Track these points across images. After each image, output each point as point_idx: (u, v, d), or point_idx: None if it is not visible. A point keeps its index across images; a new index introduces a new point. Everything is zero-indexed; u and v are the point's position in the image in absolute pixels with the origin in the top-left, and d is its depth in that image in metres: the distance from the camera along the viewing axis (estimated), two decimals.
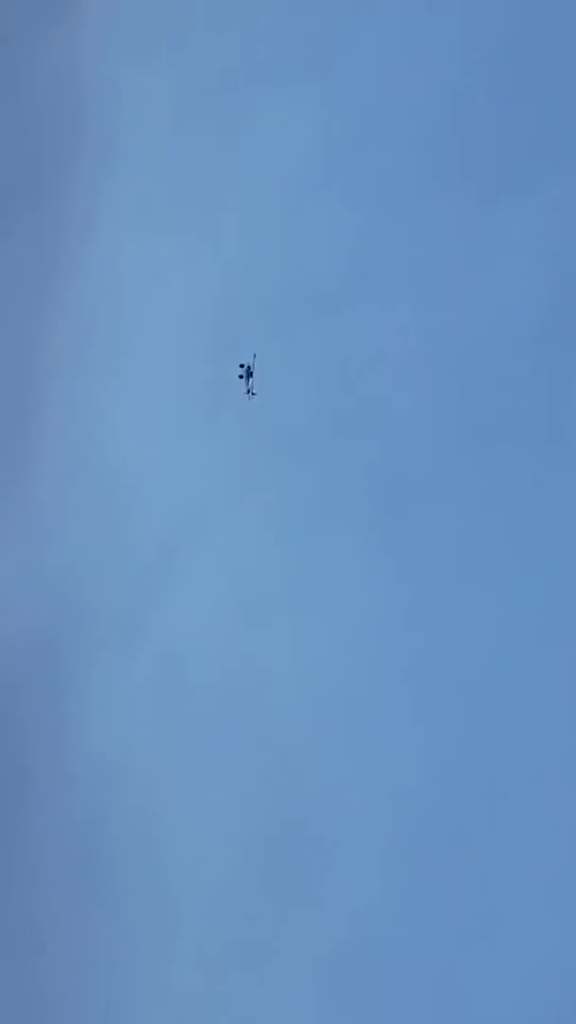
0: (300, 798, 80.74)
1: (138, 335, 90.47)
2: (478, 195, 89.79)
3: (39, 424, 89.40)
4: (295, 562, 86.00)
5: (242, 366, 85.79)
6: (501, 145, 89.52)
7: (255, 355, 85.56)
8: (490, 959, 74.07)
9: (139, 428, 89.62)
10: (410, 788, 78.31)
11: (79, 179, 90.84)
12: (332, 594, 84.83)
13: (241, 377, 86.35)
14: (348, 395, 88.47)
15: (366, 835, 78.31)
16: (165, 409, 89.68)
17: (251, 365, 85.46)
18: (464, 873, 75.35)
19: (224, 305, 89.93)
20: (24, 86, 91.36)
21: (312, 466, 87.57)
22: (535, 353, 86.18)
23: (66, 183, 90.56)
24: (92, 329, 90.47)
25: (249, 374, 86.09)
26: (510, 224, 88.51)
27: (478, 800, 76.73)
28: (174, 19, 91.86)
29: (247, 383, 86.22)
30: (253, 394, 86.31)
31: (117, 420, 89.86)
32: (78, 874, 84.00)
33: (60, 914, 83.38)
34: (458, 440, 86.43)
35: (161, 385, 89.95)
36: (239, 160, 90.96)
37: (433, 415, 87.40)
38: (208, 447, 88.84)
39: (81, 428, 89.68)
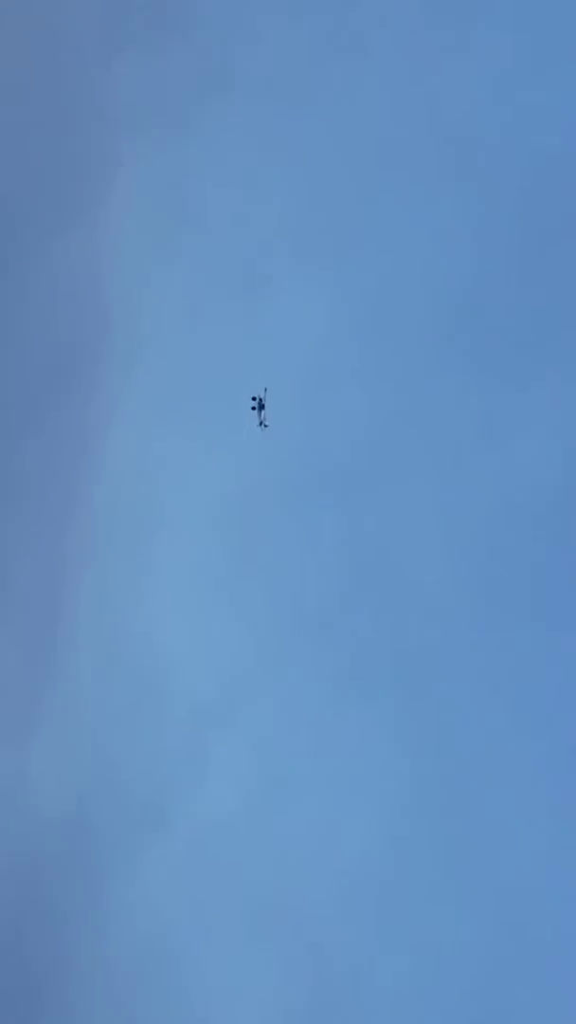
0: (331, 980, 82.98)
1: (163, 524, 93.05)
2: (493, 376, 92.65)
3: (70, 614, 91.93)
4: (321, 742, 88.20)
5: (254, 399, 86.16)
6: (516, 327, 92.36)
7: (266, 388, 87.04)
8: None
9: (166, 613, 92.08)
10: (441, 975, 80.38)
11: (103, 373, 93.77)
12: (358, 775, 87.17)
13: (253, 409, 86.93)
14: (367, 574, 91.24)
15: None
16: (191, 594, 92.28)
17: (262, 397, 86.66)
18: None
19: (246, 490, 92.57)
20: (47, 285, 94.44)
21: (333, 644, 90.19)
22: (550, 529, 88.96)
23: (91, 377, 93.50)
24: (119, 519, 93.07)
25: (261, 406, 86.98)
26: (525, 404, 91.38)
27: (510, 989, 78.84)
28: (191, 214, 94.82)
29: (259, 415, 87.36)
30: (265, 426, 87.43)
31: (145, 607, 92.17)
32: None
33: None
34: (477, 616, 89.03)
35: (187, 571, 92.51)
36: (258, 347, 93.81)
37: (451, 592, 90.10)
38: (233, 630, 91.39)
39: (111, 616, 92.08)
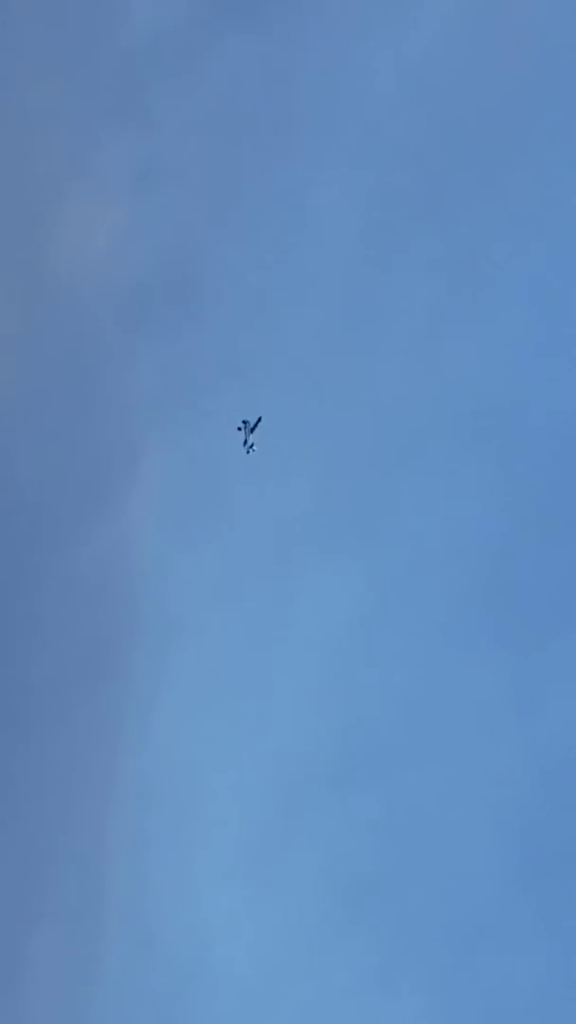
0: None
1: (201, 806, 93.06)
2: (521, 642, 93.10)
3: (106, 905, 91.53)
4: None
5: (245, 422, 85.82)
6: (542, 592, 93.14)
7: (260, 417, 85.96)
8: None
9: (204, 900, 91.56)
10: None
11: (138, 659, 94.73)
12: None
13: (240, 429, 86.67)
14: (407, 851, 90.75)
15: None
16: (230, 879, 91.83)
17: (254, 423, 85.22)
18: None
19: (283, 769, 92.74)
20: (78, 574, 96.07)
21: (370, 927, 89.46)
22: None
23: (125, 664, 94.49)
24: (156, 804, 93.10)
25: (251, 429, 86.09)
26: (554, 666, 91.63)
27: None
28: (215, 498, 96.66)
29: (246, 437, 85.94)
30: (253, 449, 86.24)
31: (182, 894, 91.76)
32: None
33: None
34: (520, 896, 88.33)
35: (225, 855, 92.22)
36: (289, 626, 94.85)
37: (493, 866, 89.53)
38: (271, 915, 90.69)
39: (147, 905, 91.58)
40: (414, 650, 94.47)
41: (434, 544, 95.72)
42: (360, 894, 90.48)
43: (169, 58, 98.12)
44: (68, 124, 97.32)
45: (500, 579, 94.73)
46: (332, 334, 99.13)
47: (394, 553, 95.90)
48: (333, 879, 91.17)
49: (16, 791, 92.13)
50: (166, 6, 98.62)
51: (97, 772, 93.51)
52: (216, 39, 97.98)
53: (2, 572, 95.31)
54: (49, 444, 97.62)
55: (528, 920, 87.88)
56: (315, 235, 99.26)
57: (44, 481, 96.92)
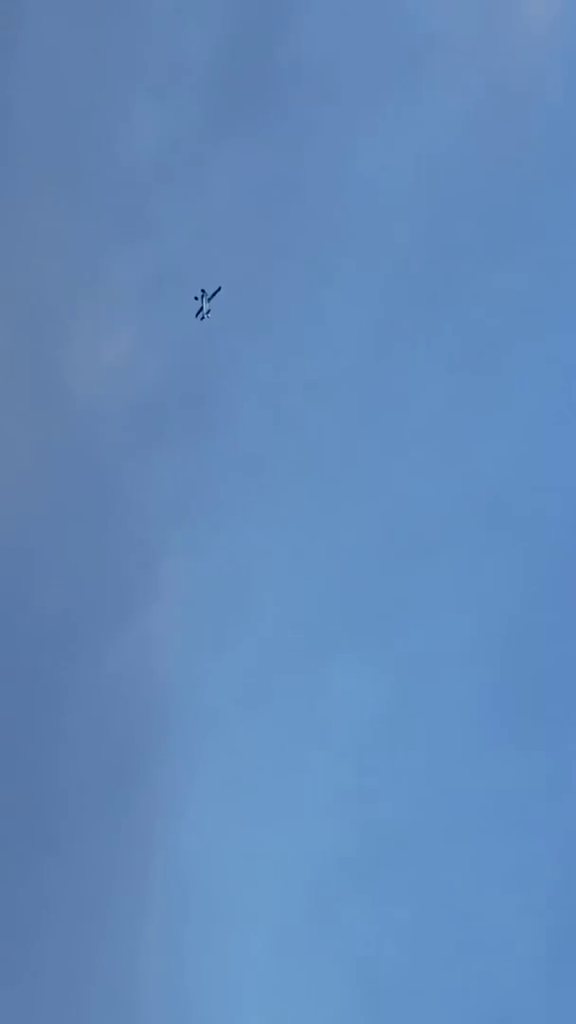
0: None
1: (231, 917, 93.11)
2: (547, 736, 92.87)
3: (142, 1014, 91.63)
4: None
5: (203, 291, 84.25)
6: (568, 686, 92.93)
7: (220, 288, 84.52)
8: None
9: (238, 1004, 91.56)
10: None
11: (166, 766, 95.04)
12: None
13: (197, 299, 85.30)
14: (436, 953, 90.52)
15: None
16: (264, 992, 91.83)
17: (212, 293, 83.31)
18: None
19: (312, 871, 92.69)
20: (103, 684, 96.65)
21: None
22: None
23: (154, 772, 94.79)
24: (187, 915, 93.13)
25: (208, 299, 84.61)
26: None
27: None
28: (238, 598, 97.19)
29: (203, 305, 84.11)
30: (208, 316, 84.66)
31: (217, 999, 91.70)
32: None
33: None
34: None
35: (259, 970, 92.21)
36: (315, 726, 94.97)
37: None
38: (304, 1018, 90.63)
39: (182, 1011, 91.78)
40: (442, 747, 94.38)
41: (457, 638, 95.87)
42: (392, 995, 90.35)
43: (172, 169, 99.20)
44: (75, 240, 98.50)
45: (526, 672, 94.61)
46: (348, 431, 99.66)
47: (419, 649, 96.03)
48: (365, 981, 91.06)
49: (49, 904, 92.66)
50: (167, 118, 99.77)
51: (129, 882, 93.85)
52: (219, 148, 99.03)
53: (28, 685, 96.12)
54: (70, 555, 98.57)
55: (565, 1017, 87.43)
56: (327, 334, 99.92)
57: (66, 593, 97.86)
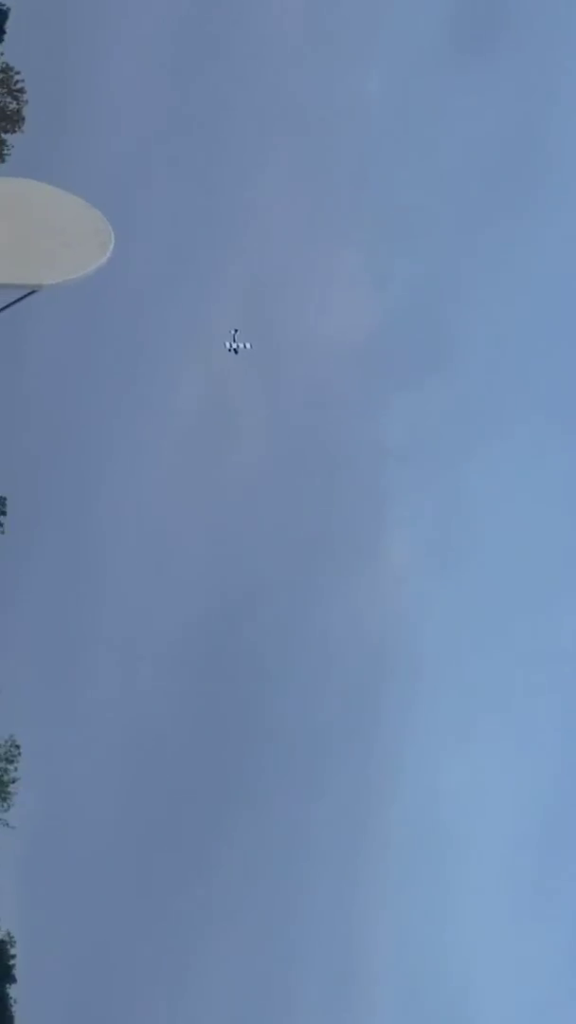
0: None
1: (461, 851, 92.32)
2: None
3: (370, 953, 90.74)
4: None
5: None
6: None
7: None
8: None
9: (470, 947, 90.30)
10: None
11: (386, 702, 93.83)
12: None
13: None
14: None
15: None
16: (495, 926, 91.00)
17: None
18: None
19: (547, 800, 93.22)
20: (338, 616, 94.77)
21: None
22: None
23: (374, 709, 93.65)
24: (415, 852, 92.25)
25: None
26: None
27: None
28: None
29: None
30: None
31: (447, 940, 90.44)
32: None
33: None
34: None
35: (490, 901, 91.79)
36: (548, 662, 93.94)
37: None
38: (539, 956, 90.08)
39: (411, 952, 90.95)
40: None
41: None
42: None
43: None
44: None
45: None
46: None
47: None
48: None
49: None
50: None
51: (352, 825, 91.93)
52: None
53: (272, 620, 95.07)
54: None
55: None
56: None
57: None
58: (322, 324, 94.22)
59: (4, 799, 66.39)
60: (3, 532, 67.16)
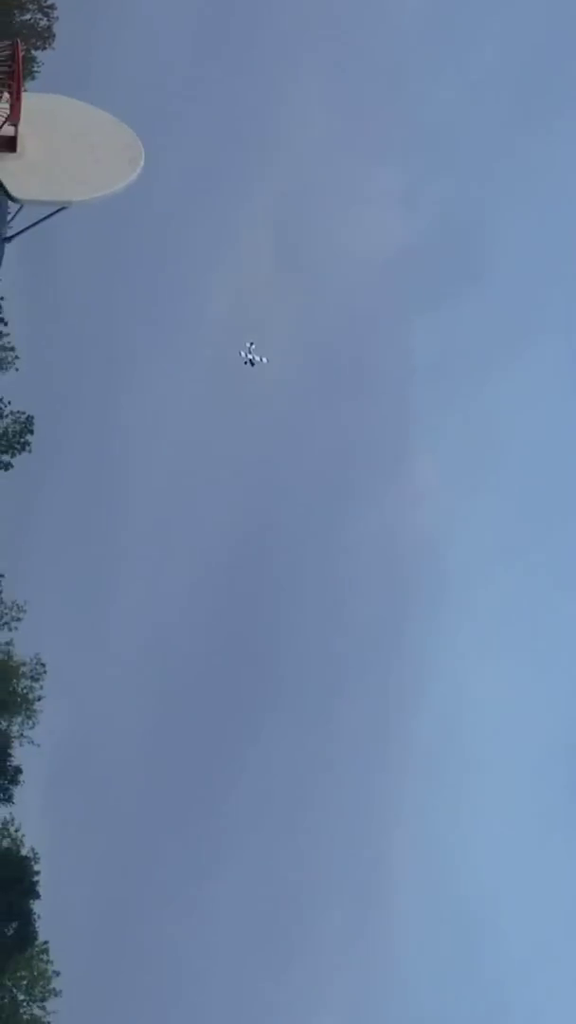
0: None
1: (485, 766, 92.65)
2: None
3: (389, 865, 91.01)
4: None
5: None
6: None
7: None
8: None
9: (491, 859, 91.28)
10: None
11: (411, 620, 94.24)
12: None
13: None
14: None
15: None
16: (517, 837, 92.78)
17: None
18: None
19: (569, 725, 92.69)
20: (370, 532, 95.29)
21: None
22: None
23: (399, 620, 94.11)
24: (437, 765, 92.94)
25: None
26: None
27: None
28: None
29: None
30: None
31: (468, 852, 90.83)
32: None
33: None
34: None
35: (512, 814, 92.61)
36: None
37: None
38: (559, 878, 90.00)
39: (432, 865, 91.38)
40: None
41: None
42: None
43: None
44: None
45: None
46: None
47: None
48: None
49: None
50: None
51: (374, 739, 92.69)
52: None
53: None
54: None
55: None
56: None
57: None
58: (353, 238, 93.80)
59: (30, 717, 67.27)
60: (30, 451, 67.25)
